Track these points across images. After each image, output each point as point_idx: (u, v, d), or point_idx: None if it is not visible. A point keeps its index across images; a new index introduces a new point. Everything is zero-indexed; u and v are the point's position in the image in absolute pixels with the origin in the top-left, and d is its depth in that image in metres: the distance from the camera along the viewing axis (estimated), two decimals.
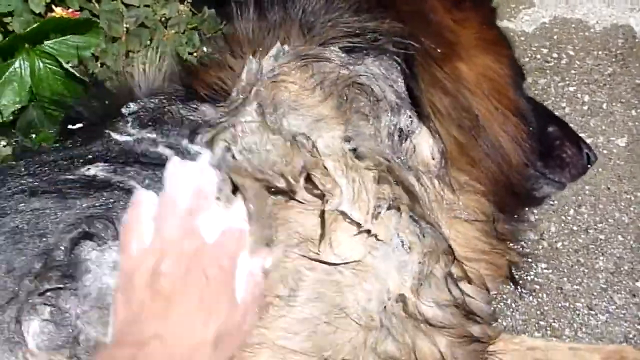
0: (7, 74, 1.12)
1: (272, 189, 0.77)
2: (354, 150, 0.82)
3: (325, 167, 0.79)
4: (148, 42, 1.34)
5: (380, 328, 0.77)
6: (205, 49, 1.38)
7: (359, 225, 0.77)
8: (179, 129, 0.82)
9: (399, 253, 0.79)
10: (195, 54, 1.37)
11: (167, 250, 0.67)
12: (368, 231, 0.78)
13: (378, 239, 0.78)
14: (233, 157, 0.78)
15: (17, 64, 1.13)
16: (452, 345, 0.81)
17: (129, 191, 0.75)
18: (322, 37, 0.91)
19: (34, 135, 1.17)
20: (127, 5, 1.37)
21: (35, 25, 1.14)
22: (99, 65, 1.30)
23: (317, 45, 0.90)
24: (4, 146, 1.26)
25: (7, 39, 1.12)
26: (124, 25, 1.35)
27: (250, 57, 0.87)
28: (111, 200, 0.75)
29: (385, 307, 0.77)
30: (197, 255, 0.67)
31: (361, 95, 0.87)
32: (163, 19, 1.39)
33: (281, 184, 0.76)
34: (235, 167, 0.77)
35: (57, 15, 1.31)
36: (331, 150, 0.80)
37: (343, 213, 0.77)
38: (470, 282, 0.85)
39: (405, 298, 0.77)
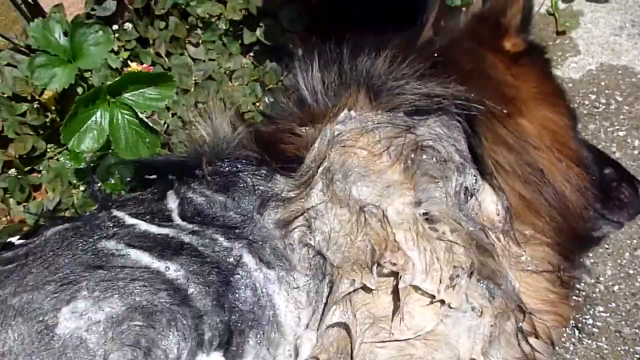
0: (88, 122, 1.19)
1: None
2: (425, 214, 0.84)
3: (396, 241, 0.80)
4: (215, 94, 1.43)
5: None
6: (266, 99, 1.45)
7: (432, 296, 0.79)
8: (249, 197, 0.84)
9: (470, 317, 0.80)
10: (258, 104, 1.45)
11: None
12: (442, 301, 0.79)
13: (451, 307, 0.79)
14: (309, 245, 0.80)
15: (97, 114, 1.20)
16: None
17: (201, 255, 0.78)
18: (388, 104, 0.94)
19: (112, 180, 1.24)
20: (194, 60, 1.47)
21: (116, 79, 1.21)
22: (171, 115, 1.39)
23: (384, 111, 0.94)
24: (83, 191, 1.35)
25: (90, 91, 1.19)
26: (193, 78, 1.44)
27: (326, 127, 0.89)
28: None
29: None
30: None
31: (428, 157, 0.90)
32: (228, 72, 1.48)
33: (356, 277, 0.78)
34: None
35: (133, 70, 1.40)
36: (402, 218, 0.82)
37: (415, 287, 0.78)
38: (537, 336, 0.88)
39: None
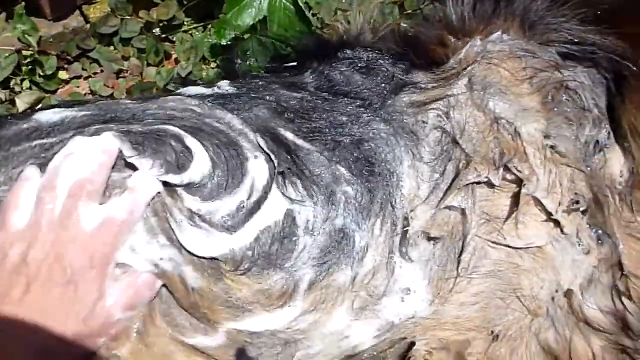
0: None
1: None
2: (552, 147, 0.86)
3: (525, 153, 0.83)
4: (357, 5, 1.43)
5: (545, 317, 0.81)
6: (402, 24, 1.45)
7: (549, 214, 0.81)
8: (385, 81, 0.89)
9: (576, 251, 0.82)
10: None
11: (39, 235, 0.63)
12: (556, 222, 0.81)
13: (563, 232, 0.82)
14: (443, 129, 0.84)
15: None
16: (605, 349, 0.84)
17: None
18: (541, 38, 0.94)
19: (249, 63, 1.29)
20: None
21: None
22: (311, 14, 1.42)
23: (535, 43, 0.93)
24: (213, 68, 1.41)
25: None
26: None
27: (476, 37, 0.92)
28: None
29: (553, 298, 0.82)
30: (69, 244, 0.63)
31: (568, 100, 0.90)
32: None
33: (482, 170, 0.81)
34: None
35: None
36: (532, 139, 0.84)
37: (535, 199, 0.81)
38: (630, 298, 0.87)
39: (572, 294, 0.81)
